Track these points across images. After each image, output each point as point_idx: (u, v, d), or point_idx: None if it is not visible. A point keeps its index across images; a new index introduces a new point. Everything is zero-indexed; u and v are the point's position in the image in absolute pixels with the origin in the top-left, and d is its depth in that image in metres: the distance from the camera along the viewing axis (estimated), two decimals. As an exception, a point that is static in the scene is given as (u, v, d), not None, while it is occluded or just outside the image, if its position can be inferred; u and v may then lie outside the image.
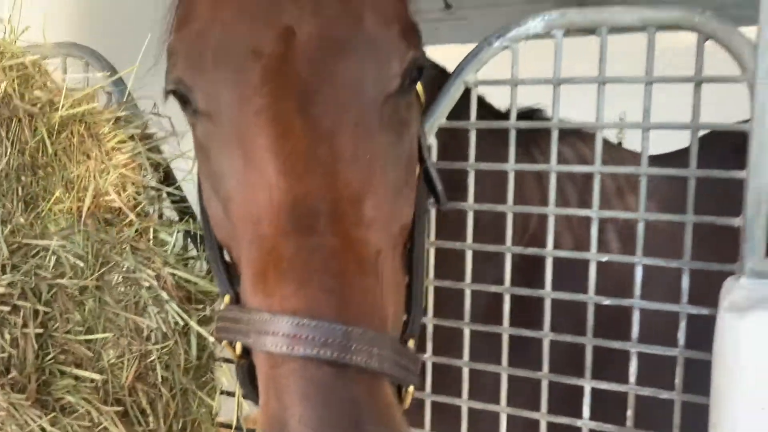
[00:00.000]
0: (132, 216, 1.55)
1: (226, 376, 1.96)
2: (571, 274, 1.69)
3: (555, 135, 1.61)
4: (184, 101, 1.25)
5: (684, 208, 1.52)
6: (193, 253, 1.95)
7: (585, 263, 1.60)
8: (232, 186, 1.16)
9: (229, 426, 2.01)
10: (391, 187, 1.20)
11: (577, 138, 2.34)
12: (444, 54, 1.99)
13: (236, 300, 1.22)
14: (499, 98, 2.02)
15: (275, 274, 1.02)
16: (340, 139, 1.13)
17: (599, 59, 1.53)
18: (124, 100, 1.76)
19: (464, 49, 1.68)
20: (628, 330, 1.56)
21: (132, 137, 1.63)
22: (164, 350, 1.53)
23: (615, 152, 2.50)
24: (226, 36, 1.17)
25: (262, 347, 0.99)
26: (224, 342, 1.20)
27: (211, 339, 1.64)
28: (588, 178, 2.14)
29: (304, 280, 1.01)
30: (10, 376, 1.16)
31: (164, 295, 1.53)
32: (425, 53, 1.34)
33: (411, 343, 1.23)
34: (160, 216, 1.83)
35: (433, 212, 1.75)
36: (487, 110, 2.12)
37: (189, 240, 1.98)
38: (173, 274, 1.57)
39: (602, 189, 2.34)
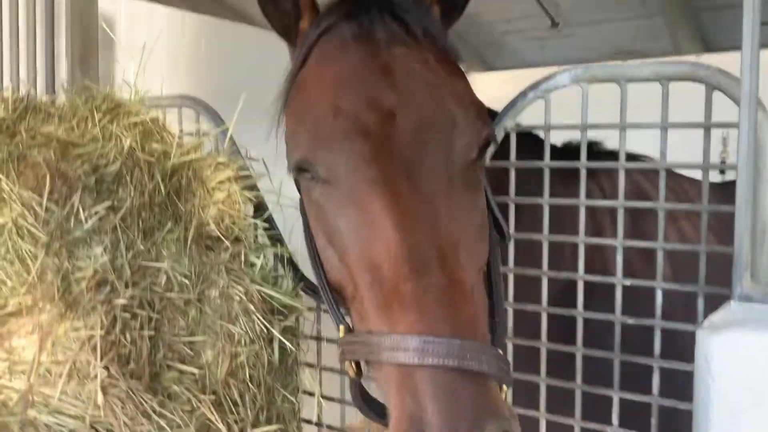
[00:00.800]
0: (227, 243, 1.90)
1: (308, 379, 2.28)
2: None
3: (583, 173, 1.83)
4: (302, 170, 1.57)
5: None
6: (281, 272, 2.30)
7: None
8: (350, 239, 1.47)
9: (309, 422, 2.34)
10: (474, 233, 1.53)
11: (636, 170, 2.52)
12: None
13: (349, 329, 1.53)
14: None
15: (400, 307, 1.32)
16: (437, 200, 1.46)
17: (620, 108, 1.74)
18: (225, 146, 2.12)
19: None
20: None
21: (229, 179, 1.98)
22: (251, 353, 1.86)
23: (673, 181, 2.65)
24: (342, 121, 1.51)
25: (395, 361, 1.28)
26: (346, 363, 1.52)
27: (290, 346, 1.97)
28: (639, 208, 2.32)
29: (424, 310, 1.30)
30: (129, 366, 1.52)
31: (251, 307, 1.87)
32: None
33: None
34: (255, 241, 2.18)
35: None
36: (541, 147, 2.35)
37: (278, 261, 2.33)
38: (259, 291, 1.91)
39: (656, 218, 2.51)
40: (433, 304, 1.30)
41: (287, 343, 1.94)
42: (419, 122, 1.49)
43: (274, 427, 1.94)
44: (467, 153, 1.54)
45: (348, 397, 2.36)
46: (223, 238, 1.89)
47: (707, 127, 1.65)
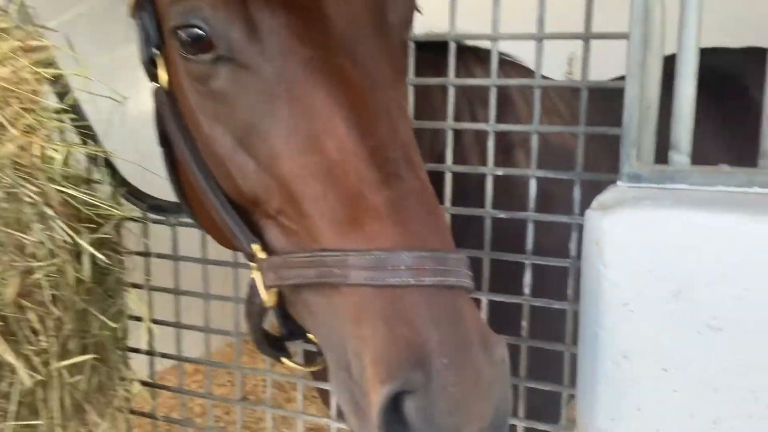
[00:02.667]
0: (14, 131, 1.49)
1: (134, 302, 1.94)
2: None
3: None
4: (196, 50, 1.16)
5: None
6: (97, 176, 1.91)
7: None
8: (283, 139, 1.12)
9: (139, 350, 2.01)
10: (411, 128, 1.23)
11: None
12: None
13: (265, 249, 1.19)
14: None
15: (374, 219, 1.04)
16: (386, 87, 1.16)
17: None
18: (10, 11, 1.67)
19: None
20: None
21: (14, 50, 1.56)
22: (51, 268, 1.50)
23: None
24: None
25: (381, 282, 1.00)
26: (265, 290, 1.18)
27: (103, 260, 1.61)
28: (501, 103, 2.13)
29: (407, 221, 1.05)
30: None
31: (49, 212, 1.49)
32: None
33: None
34: (61, 135, 1.76)
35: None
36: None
37: (92, 163, 1.93)
38: (60, 192, 1.53)
39: (519, 113, 2.34)
40: (416, 214, 1.06)
41: (99, 256, 1.58)
42: None
43: (86, 357, 1.60)
44: (401, 31, 1.27)
45: (184, 320, 2.05)
46: (7, 125, 1.48)
47: (587, 38, 1.46)
